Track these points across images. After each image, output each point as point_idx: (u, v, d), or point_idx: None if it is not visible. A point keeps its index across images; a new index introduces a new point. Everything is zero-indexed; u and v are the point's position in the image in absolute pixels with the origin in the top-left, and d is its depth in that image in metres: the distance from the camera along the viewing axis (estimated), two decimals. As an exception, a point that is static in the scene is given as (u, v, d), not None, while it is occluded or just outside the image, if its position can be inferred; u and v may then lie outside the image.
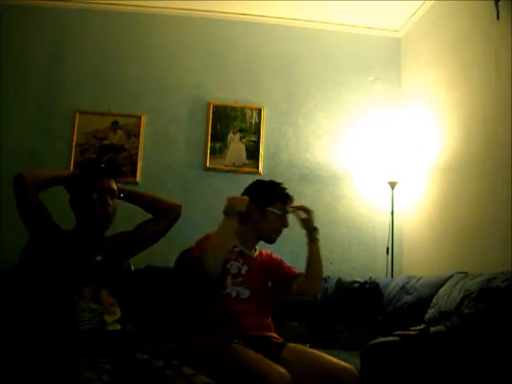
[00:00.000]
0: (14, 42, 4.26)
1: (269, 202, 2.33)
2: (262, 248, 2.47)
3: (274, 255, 2.51)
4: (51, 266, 1.95)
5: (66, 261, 1.95)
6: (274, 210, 2.32)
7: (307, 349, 2.32)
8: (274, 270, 2.43)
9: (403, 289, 3.43)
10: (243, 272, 2.26)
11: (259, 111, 4.37)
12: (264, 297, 2.34)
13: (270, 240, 2.36)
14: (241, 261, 2.29)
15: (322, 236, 4.26)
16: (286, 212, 2.35)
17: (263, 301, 2.33)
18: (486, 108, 3.25)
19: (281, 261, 2.50)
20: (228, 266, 2.23)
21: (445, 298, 2.81)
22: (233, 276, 2.24)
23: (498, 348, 2.24)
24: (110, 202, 2.01)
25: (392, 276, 4.00)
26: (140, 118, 4.27)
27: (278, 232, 2.36)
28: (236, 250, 2.30)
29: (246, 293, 2.25)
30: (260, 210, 2.31)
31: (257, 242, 2.41)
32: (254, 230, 2.33)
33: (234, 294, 2.23)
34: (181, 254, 2.57)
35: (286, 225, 2.35)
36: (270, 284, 2.38)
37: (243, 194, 2.36)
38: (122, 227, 2.17)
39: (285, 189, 2.40)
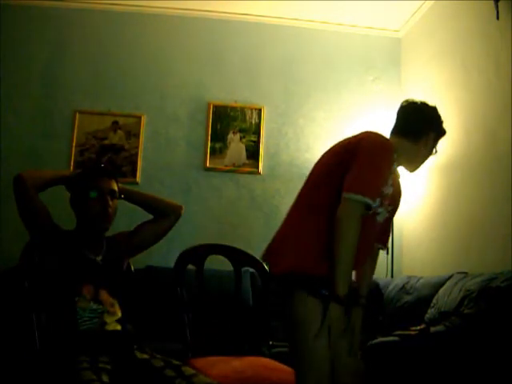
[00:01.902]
0: (14, 42, 4.26)
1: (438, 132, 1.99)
2: None
3: None
4: (51, 266, 1.95)
5: (66, 261, 1.95)
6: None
7: None
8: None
9: (403, 289, 3.43)
10: (391, 192, 1.91)
11: (259, 111, 4.37)
12: None
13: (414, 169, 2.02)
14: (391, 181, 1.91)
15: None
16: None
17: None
18: (486, 108, 3.26)
19: None
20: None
21: (445, 298, 2.81)
22: (386, 199, 1.89)
23: (498, 348, 2.25)
24: (111, 202, 2.01)
25: (392, 276, 4.00)
26: (140, 118, 4.27)
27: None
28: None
29: (385, 214, 1.94)
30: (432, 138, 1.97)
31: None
32: (409, 157, 1.97)
33: (381, 219, 1.92)
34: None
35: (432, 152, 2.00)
36: None
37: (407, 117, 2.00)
38: (122, 227, 2.17)
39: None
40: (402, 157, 1.91)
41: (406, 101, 2.07)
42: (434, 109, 2.03)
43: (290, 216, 2.03)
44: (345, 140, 1.96)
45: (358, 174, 1.74)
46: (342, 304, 1.68)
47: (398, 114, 2.04)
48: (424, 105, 2.03)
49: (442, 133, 2.00)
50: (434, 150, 1.99)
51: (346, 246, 1.68)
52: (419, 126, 1.96)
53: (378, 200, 1.74)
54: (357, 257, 1.72)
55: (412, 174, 2.07)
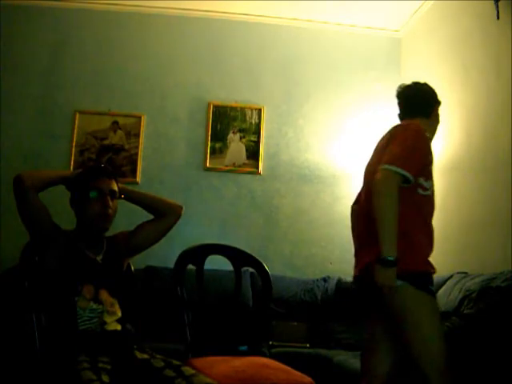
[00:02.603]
0: (14, 42, 4.26)
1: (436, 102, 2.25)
2: None
3: None
4: (51, 266, 1.95)
5: (66, 261, 1.95)
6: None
7: None
8: None
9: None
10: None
11: (259, 111, 4.37)
12: None
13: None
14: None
15: (321, 236, 4.32)
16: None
17: None
18: (486, 108, 3.25)
19: None
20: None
21: (445, 298, 2.81)
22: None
23: (498, 348, 2.24)
24: (111, 203, 2.01)
25: (392, 276, 3.99)
26: (140, 118, 4.27)
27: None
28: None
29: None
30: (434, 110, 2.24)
31: None
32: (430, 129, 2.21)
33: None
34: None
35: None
36: None
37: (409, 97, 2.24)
38: (122, 227, 2.17)
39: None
40: (429, 124, 2.17)
41: (401, 86, 2.27)
42: (427, 85, 2.26)
43: None
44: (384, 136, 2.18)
45: (392, 150, 1.95)
46: (392, 266, 1.82)
47: (401, 100, 2.26)
48: (420, 84, 2.26)
49: (440, 101, 2.25)
50: (439, 118, 2.24)
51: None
52: (426, 102, 2.21)
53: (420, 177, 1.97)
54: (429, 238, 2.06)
55: None
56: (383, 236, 1.85)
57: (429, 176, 2.08)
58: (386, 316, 2.02)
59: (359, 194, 2.24)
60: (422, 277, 1.99)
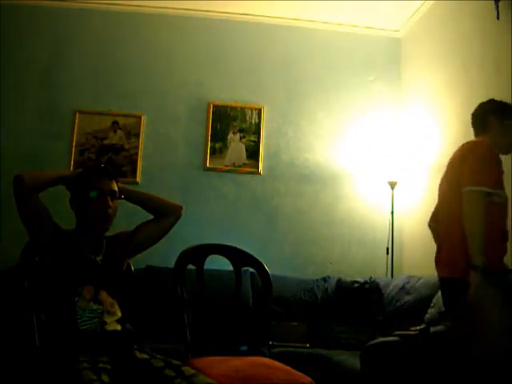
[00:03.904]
0: (14, 42, 4.26)
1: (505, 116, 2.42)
2: None
3: None
4: (51, 266, 1.95)
5: (66, 261, 1.95)
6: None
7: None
8: None
9: (403, 289, 3.43)
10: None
11: (259, 111, 4.37)
12: None
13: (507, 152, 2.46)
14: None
15: (322, 236, 4.32)
16: None
17: None
18: (486, 108, 3.25)
19: None
20: None
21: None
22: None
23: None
24: (111, 203, 2.01)
25: (392, 276, 4.00)
26: (140, 118, 4.27)
27: None
28: None
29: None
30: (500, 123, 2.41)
31: None
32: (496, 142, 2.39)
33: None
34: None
35: None
36: None
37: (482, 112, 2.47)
38: (122, 227, 2.17)
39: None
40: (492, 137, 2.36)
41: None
42: (489, 102, 2.52)
43: None
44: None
45: (470, 169, 2.23)
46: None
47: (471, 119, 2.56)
48: (482, 103, 2.54)
49: (504, 112, 2.43)
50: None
51: None
52: (482, 119, 2.47)
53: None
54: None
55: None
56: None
57: (501, 186, 2.26)
58: None
59: (436, 212, 2.53)
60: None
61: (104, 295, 1.96)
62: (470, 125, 2.59)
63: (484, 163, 2.22)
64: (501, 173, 2.27)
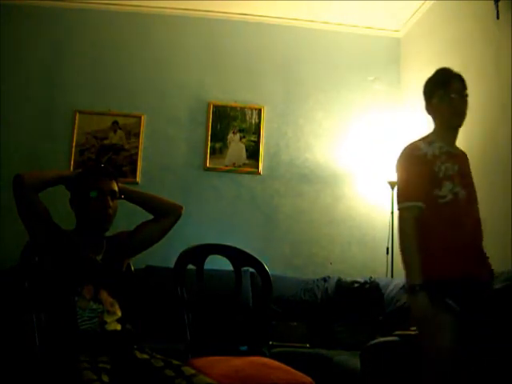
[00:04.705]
0: (14, 42, 4.26)
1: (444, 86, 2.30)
2: None
3: None
4: (51, 266, 1.95)
5: (66, 261, 1.95)
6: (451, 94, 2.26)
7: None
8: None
9: (403, 289, 3.43)
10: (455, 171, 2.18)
11: (259, 111, 4.37)
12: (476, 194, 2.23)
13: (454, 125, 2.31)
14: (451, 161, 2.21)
15: (321, 236, 4.32)
16: (461, 94, 2.31)
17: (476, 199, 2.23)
18: (485, 108, 3.25)
19: None
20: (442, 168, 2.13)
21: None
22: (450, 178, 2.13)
23: (498, 348, 2.24)
24: (111, 203, 2.01)
25: (392, 276, 3.99)
26: (140, 118, 4.27)
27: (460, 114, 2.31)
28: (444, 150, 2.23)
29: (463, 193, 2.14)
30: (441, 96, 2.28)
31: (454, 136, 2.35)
32: (441, 123, 2.29)
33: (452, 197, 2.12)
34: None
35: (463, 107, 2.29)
36: None
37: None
38: (122, 227, 2.17)
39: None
40: (436, 121, 2.29)
41: None
42: (436, 72, 2.43)
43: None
44: None
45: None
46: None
47: None
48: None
49: (444, 84, 2.34)
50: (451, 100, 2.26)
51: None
52: (425, 93, 2.37)
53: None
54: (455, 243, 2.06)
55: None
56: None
57: (441, 183, 2.10)
58: None
59: None
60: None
61: (104, 295, 1.96)
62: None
63: (402, 175, 2.13)
64: (433, 171, 2.10)
